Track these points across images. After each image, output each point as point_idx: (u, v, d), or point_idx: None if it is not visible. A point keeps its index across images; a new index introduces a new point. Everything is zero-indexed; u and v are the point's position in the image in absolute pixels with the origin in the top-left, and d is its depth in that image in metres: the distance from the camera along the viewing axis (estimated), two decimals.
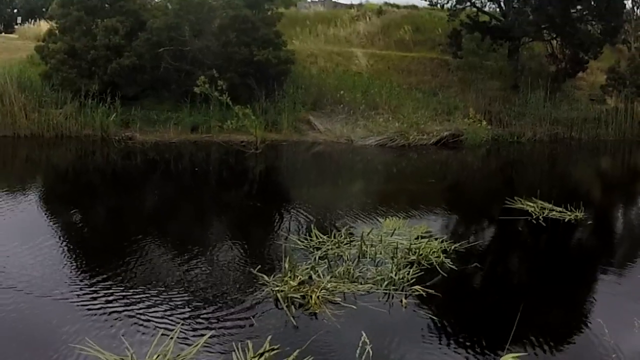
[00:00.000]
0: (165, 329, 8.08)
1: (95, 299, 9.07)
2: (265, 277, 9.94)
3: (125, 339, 7.71)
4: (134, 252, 11.50)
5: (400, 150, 29.12)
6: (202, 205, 17.54)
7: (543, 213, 15.45)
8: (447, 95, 35.89)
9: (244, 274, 10.45)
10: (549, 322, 9.09)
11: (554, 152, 32.64)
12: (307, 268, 10.22)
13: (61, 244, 12.15)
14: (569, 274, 11.55)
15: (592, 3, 36.35)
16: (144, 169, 23.44)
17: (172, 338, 7.67)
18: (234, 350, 7.51)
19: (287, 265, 10.08)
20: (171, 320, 8.42)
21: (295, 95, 31.93)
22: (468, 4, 39.68)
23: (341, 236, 12.34)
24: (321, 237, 12.26)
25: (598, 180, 25.83)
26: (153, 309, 8.78)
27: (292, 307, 9.01)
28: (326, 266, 10.57)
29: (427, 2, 40.83)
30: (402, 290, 9.70)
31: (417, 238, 12.37)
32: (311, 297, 9.18)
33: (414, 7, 49.33)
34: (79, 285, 9.64)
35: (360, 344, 7.48)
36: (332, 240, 12.07)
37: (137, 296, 9.23)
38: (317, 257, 11.11)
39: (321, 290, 9.40)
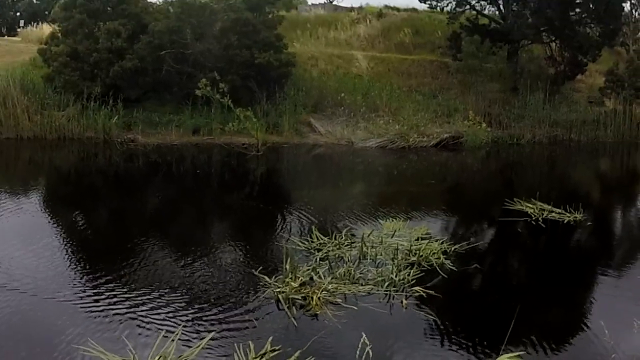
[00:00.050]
0: (168, 330, 8.08)
1: (98, 300, 9.07)
2: (267, 279, 9.95)
3: (128, 341, 7.71)
4: (136, 254, 11.50)
5: (400, 152, 29.10)
6: (203, 207, 17.54)
7: (542, 214, 15.45)
8: (447, 97, 35.88)
9: (245, 276, 10.45)
10: (548, 322, 9.08)
11: (553, 153, 32.61)
12: (308, 269, 10.23)
13: (64, 245, 12.16)
14: (569, 275, 11.54)
15: (591, 6, 36.34)
16: (146, 171, 23.43)
17: (173, 340, 7.67)
18: (236, 351, 7.52)
19: (288, 267, 10.10)
20: (173, 322, 8.42)
21: (296, 98, 31.95)
22: (467, 7, 39.70)
23: (342, 237, 12.35)
24: (322, 239, 12.26)
25: (597, 182, 25.81)
26: (155, 311, 8.79)
27: (293, 308, 9.01)
28: (327, 267, 10.57)
29: (427, 5, 40.86)
30: (402, 291, 9.70)
31: (417, 239, 12.37)
32: (312, 298, 9.18)
33: (414, 10, 49.31)
34: (82, 287, 9.64)
35: (361, 345, 7.47)
36: (333, 242, 12.07)
37: (140, 298, 9.23)
38: (318, 259, 11.12)
39: (322, 291, 9.40)
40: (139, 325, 8.29)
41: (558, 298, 10.26)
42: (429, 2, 40.07)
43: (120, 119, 28.52)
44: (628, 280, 11.17)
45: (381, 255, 11.38)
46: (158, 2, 35.19)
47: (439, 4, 39.94)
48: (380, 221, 14.30)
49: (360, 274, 10.36)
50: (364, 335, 7.68)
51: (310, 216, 14.93)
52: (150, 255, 11.48)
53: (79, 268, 10.67)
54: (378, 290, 9.71)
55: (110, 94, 28.45)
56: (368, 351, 7.41)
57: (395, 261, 10.88)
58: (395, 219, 14.33)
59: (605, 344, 7.99)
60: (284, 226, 14.39)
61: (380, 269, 10.57)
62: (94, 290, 9.46)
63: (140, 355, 7.37)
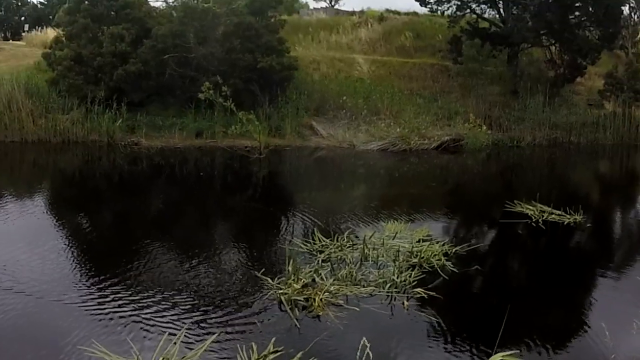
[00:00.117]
0: (171, 331, 8.08)
1: (102, 302, 9.08)
2: (269, 280, 9.95)
3: (132, 342, 7.72)
4: (140, 256, 11.51)
5: (401, 154, 29.10)
6: (207, 209, 17.56)
7: (542, 216, 15.45)
8: (447, 100, 35.91)
9: (248, 277, 10.45)
10: (549, 323, 9.08)
11: (553, 156, 32.62)
12: (311, 271, 10.22)
13: (69, 248, 12.17)
14: (569, 276, 11.54)
15: (590, 9, 36.35)
16: (150, 174, 23.44)
17: (175, 343, 7.67)
18: (239, 352, 7.52)
19: (290, 269, 10.10)
20: (176, 323, 8.42)
21: (298, 101, 31.98)
22: (468, 10, 39.75)
23: (344, 239, 12.34)
24: (324, 241, 12.26)
25: (597, 184, 25.80)
26: (159, 313, 8.79)
27: (296, 309, 9.01)
28: (329, 269, 10.57)
29: (428, 9, 40.86)
30: (404, 293, 9.71)
31: (418, 241, 12.38)
32: (314, 299, 9.19)
33: (415, 13, 49.32)
34: (87, 289, 9.65)
35: (362, 346, 7.47)
36: (335, 244, 12.07)
37: (144, 300, 9.24)
38: (320, 260, 11.11)
39: (324, 292, 9.41)
40: (142, 327, 8.29)
41: (558, 299, 10.26)
42: (429, 6, 40.09)
43: (124, 122, 28.56)
44: (628, 282, 11.15)
45: (383, 257, 11.38)
46: (161, 7, 35.28)
47: (439, 8, 39.94)
48: (382, 223, 14.30)
49: (362, 275, 10.36)
50: (366, 336, 7.68)
51: (313, 218, 14.92)
52: (154, 258, 11.49)
53: (84, 270, 10.68)
54: (380, 292, 9.71)
55: (114, 97, 28.52)
56: (370, 352, 7.41)
57: (397, 263, 10.89)
58: (397, 221, 14.34)
59: (605, 345, 7.99)
60: (286, 228, 14.39)
61: (381, 271, 10.57)
62: (99, 293, 9.46)
63: (144, 356, 7.38)
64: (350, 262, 10.99)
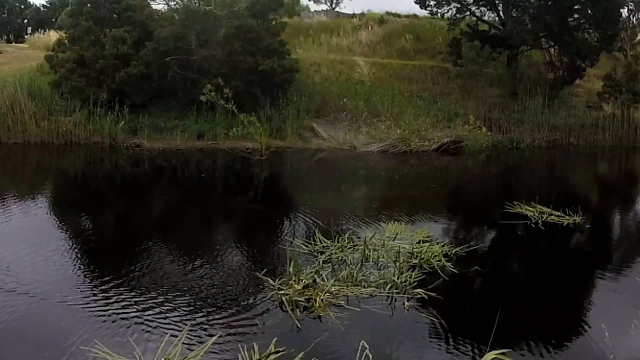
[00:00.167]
0: (173, 332, 8.08)
1: (105, 303, 9.08)
2: (271, 281, 9.95)
3: (134, 342, 7.72)
4: (143, 258, 11.51)
5: (402, 156, 29.12)
6: (208, 210, 17.57)
7: (542, 218, 15.44)
8: (447, 102, 35.95)
9: (249, 278, 10.44)
10: (549, 324, 9.07)
11: (552, 157, 32.62)
12: (312, 272, 10.22)
13: (72, 249, 12.17)
14: (568, 277, 11.54)
15: (590, 12, 36.41)
16: (152, 176, 23.45)
17: (178, 343, 7.67)
18: (240, 353, 7.53)
19: (292, 270, 10.11)
20: (179, 324, 8.43)
21: (300, 103, 32.02)
22: (468, 13, 39.83)
23: (345, 241, 12.34)
24: (325, 242, 12.26)
25: (596, 185, 25.80)
26: (161, 314, 8.79)
27: (297, 310, 9.01)
28: (330, 270, 10.57)
29: (428, 12, 40.98)
30: (404, 294, 9.70)
31: (419, 242, 12.38)
32: (316, 300, 9.19)
33: (415, 16, 49.42)
34: (90, 290, 9.65)
35: (363, 347, 7.47)
36: (336, 245, 12.07)
37: (146, 301, 9.24)
38: (321, 262, 11.11)
39: (325, 293, 9.41)
40: (145, 328, 8.29)
41: (558, 300, 10.25)
42: (430, 9, 40.16)
43: (126, 124, 28.61)
44: (627, 282, 11.14)
45: (383, 258, 11.37)
46: (163, 10, 35.36)
47: (439, 11, 40.05)
48: (383, 224, 14.31)
49: (363, 276, 10.36)
50: (367, 337, 7.69)
51: (314, 220, 14.92)
52: (156, 259, 11.49)
53: (87, 272, 10.68)
54: (380, 293, 9.71)
55: (116, 99, 28.58)
56: (371, 352, 7.41)
57: (398, 264, 10.89)
58: (397, 222, 14.35)
59: (604, 345, 7.98)
60: (287, 230, 14.41)
61: (382, 272, 10.57)
62: (103, 295, 9.46)
63: (147, 357, 7.39)
64: (351, 263, 10.98)
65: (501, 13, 39.74)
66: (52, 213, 16.16)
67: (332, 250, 11.79)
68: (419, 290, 9.76)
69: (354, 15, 51.45)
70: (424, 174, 26.23)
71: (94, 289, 9.69)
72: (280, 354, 7.54)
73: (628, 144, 35.79)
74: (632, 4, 45.72)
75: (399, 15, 50.52)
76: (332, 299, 9.35)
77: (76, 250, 12.11)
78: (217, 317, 8.81)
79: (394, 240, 12.42)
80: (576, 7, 36.80)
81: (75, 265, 11.02)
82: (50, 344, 7.83)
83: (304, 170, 26.88)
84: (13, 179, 22.09)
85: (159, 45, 29.46)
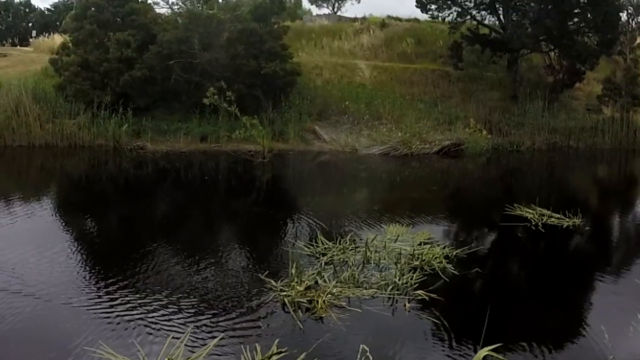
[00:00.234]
0: (176, 333, 8.09)
1: (109, 304, 9.09)
2: (273, 282, 9.96)
3: (138, 343, 7.73)
4: (146, 259, 11.52)
5: (403, 159, 29.14)
6: (211, 212, 17.57)
7: (542, 219, 15.44)
8: (448, 105, 35.96)
9: (252, 279, 10.45)
10: (548, 325, 9.08)
11: (552, 160, 32.61)
12: (314, 273, 10.23)
13: (76, 251, 12.19)
14: (568, 278, 11.54)
15: (589, 15, 36.40)
16: (155, 178, 23.47)
17: (181, 343, 7.68)
18: (243, 353, 7.53)
19: (293, 271, 10.11)
20: (181, 325, 8.44)
21: (301, 106, 32.07)
22: (468, 17, 39.84)
23: (346, 242, 12.34)
24: (327, 244, 12.26)
25: (595, 188, 25.79)
26: (164, 314, 8.80)
27: (299, 311, 9.02)
28: (332, 271, 10.58)
29: (429, 16, 40.94)
30: (405, 295, 9.71)
31: (420, 244, 12.38)
32: (317, 301, 9.19)
33: (416, 20, 49.39)
34: (94, 292, 9.66)
35: (364, 347, 7.48)
36: (337, 247, 12.07)
37: (149, 302, 9.25)
38: (323, 263, 11.11)
39: (327, 294, 9.41)
40: (148, 329, 8.30)
41: (558, 301, 10.25)
42: (430, 13, 40.15)
43: (129, 127, 28.66)
44: (626, 284, 11.15)
45: (384, 259, 11.38)
46: (167, 13, 35.32)
47: (440, 14, 40.04)
48: (384, 226, 14.31)
49: (364, 278, 10.37)
50: (368, 338, 7.70)
51: (315, 221, 14.93)
52: (160, 260, 11.50)
53: (91, 273, 10.68)
54: (382, 294, 9.72)
55: (120, 102, 28.62)
56: (372, 353, 7.41)
57: (399, 265, 10.89)
58: (398, 224, 14.34)
59: (604, 346, 7.99)
60: (289, 231, 14.41)
61: (383, 273, 10.57)
62: (106, 295, 9.48)
63: (150, 358, 7.40)
64: (352, 265, 10.99)
65: (501, 17, 39.72)
66: (56, 215, 16.18)
67: (333, 251, 11.80)
68: (419, 292, 9.77)
69: (355, 19, 51.41)
70: (424, 176, 26.23)
71: (99, 290, 9.71)
72: (282, 354, 7.55)
73: (627, 146, 35.79)
74: (631, 7, 45.71)
75: (400, 19, 50.51)
76: (334, 300, 9.36)
77: (81, 252, 12.13)
78: (219, 318, 8.82)
79: (395, 242, 12.42)
80: (576, 11, 36.79)
81: (79, 266, 11.04)
82: (55, 345, 7.85)
83: (306, 172, 26.89)
84: (18, 181, 22.12)
85: (162, 48, 29.50)
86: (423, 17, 43.98)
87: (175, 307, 9.09)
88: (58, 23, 62.06)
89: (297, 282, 9.77)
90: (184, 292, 9.73)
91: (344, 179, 24.84)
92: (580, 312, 9.84)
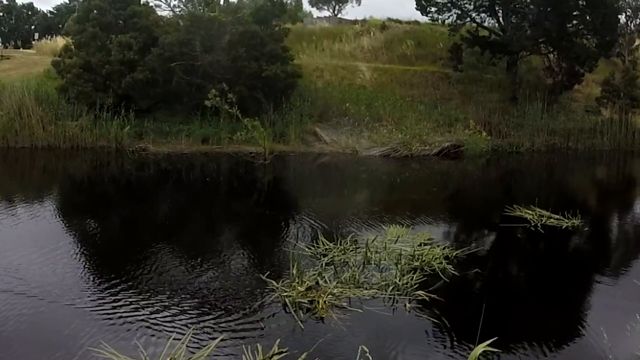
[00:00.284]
0: (178, 333, 8.10)
1: (111, 305, 9.09)
2: (274, 283, 9.95)
3: (140, 343, 7.73)
4: (148, 260, 11.52)
5: (403, 160, 29.15)
6: (213, 213, 17.58)
7: (541, 220, 15.44)
8: (448, 107, 36.04)
9: (253, 280, 10.44)
10: (548, 325, 9.07)
11: (551, 161, 32.63)
12: (314, 274, 10.23)
13: (78, 252, 12.18)
14: (567, 279, 11.53)
15: (588, 18, 36.46)
16: (157, 179, 23.48)
17: (182, 344, 7.68)
18: (244, 353, 7.53)
19: (294, 271, 10.11)
20: (183, 325, 8.44)
21: (302, 108, 32.12)
22: (468, 19, 39.93)
23: (347, 243, 12.34)
24: (327, 244, 12.26)
25: (594, 189, 25.78)
26: (166, 314, 8.80)
27: (300, 311, 9.02)
28: (332, 272, 10.57)
29: (429, 18, 41.05)
30: (405, 295, 9.70)
31: (420, 245, 12.37)
32: (318, 301, 9.19)
33: (416, 22, 49.47)
34: (96, 292, 9.65)
35: (364, 348, 7.48)
36: (338, 247, 12.07)
37: (151, 302, 9.25)
38: (323, 264, 11.11)
39: (328, 295, 9.41)
40: (150, 329, 8.30)
41: (557, 301, 10.25)
42: (430, 15, 40.23)
43: (131, 128, 28.70)
44: (624, 284, 11.14)
45: (385, 260, 11.38)
46: (168, 16, 35.46)
47: (440, 17, 40.16)
48: (384, 227, 14.30)
49: (365, 278, 10.36)
50: (369, 338, 7.70)
51: (316, 222, 14.93)
52: (162, 261, 11.50)
53: (94, 274, 10.67)
54: (382, 294, 9.71)
55: (122, 104, 28.68)
56: (372, 354, 7.41)
57: (399, 266, 10.89)
58: (399, 225, 14.33)
59: (603, 346, 7.98)
60: (290, 232, 14.39)
61: (384, 274, 10.57)
62: (108, 295, 9.47)
63: (152, 357, 7.40)
64: (353, 265, 10.98)
65: (501, 19, 39.80)
66: (59, 216, 16.16)
67: (334, 252, 11.79)
68: (420, 292, 9.76)
69: (355, 21, 51.51)
70: (424, 177, 26.24)
71: (102, 291, 9.69)
72: (283, 354, 7.54)
73: (626, 148, 35.84)
74: (629, 10, 45.79)
75: (400, 21, 50.59)
76: (335, 300, 9.36)
77: (84, 253, 12.12)
78: (221, 318, 8.82)
79: (395, 243, 12.42)
80: (575, 13, 36.85)
81: (82, 268, 11.03)
82: (58, 345, 7.83)
83: (307, 173, 26.90)
84: (20, 183, 22.11)
85: (164, 50, 29.54)
86: (423, 19, 44.13)
87: (177, 307, 9.09)
88: (60, 26, 62.06)
89: (298, 282, 9.77)
90: (186, 293, 9.73)
91: (345, 181, 24.84)
92: (579, 313, 9.83)
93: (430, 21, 42.45)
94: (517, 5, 38.49)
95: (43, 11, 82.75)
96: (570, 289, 10.88)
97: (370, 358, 7.33)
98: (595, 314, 9.55)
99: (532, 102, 35.45)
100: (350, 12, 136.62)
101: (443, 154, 30.66)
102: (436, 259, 11.47)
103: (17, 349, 7.73)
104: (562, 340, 8.56)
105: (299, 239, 13.29)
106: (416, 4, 39.84)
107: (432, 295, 9.67)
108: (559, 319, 9.51)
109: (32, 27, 79.79)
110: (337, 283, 9.98)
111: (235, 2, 37.23)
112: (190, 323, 8.51)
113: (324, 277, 10.17)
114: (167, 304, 9.20)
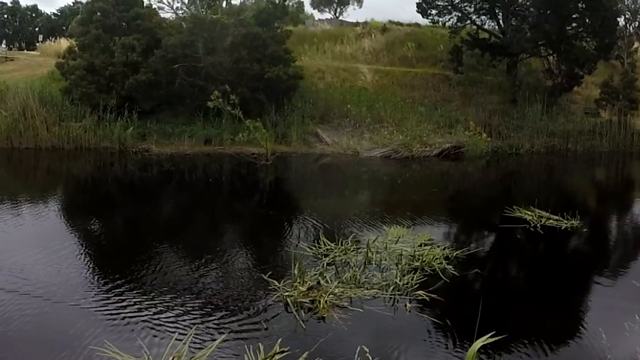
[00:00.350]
0: (181, 333, 8.11)
1: (114, 304, 9.11)
2: (276, 283, 9.97)
3: (142, 342, 7.74)
4: (150, 260, 11.54)
5: (404, 161, 29.15)
6: (215, 214, 17.59)
7: (540, 221, 15.45)
8: (448, 109, 36.03)
9: (255, 280, 10.46)
10: (547, 325, 9.08)
11: (550, 163, 32.62)
12: (316, 274, 10.24)
13: (82, 252, 12.21)
14: (566, 279, 11.53)
15: (587, 21, 36.48)
16: (160, 180, 23.47)
17: (185, 343, 7.69)
18: (246, 352, 7.54)
19: (296, 271, 10.12)
20: (185, 324, 8.45)
21: (304, 109, 32.12)
22: (468, 22, 39.91)
23: (348, 243, 12.35)
24: (329, 245, 12.27)
25: (593, 190, 25.77)
26: (169, 314, 8.82)
27: (302, 311, 9.03)
28: (334, 272, 10.58)
29: (430, 20, 41.06)
30: (406, 295, 9.71)
31: (420, 245, 12.38)
32: (319, 301, 9.20)
33: (417, 25, 49.48)
34: (99, 291, 9.67)
35: (366, 347, 7.48)
36: (339, 248, 12.08)
37: (154, 302, 9.26)
38: (325, 264, 11.13)
39: (329, 295, 9.42)
40: (153, 328, 8.32)
41: (556, 301, 10.25)
42: (431, 18, 40.25)
43: (135, 129, 28.72)
44: (623, 285, 11.14)
45: (386, 260, 11.39)
46: (171, 18, 35.49)
47: (441, 19, 40.18)
48: (385, 228, 14.31)
49: (366, 278, 10.37)
50: (369, 337, 7.71)
51: (318, 223, 14.94)
52: (165, 261, 11.51)
53: (98, 275, 10.68)
54: (383, 294, 9.72)
55: (125, 105, 28.70)
56: (373, 353, 7.41)
57: (399, 266, 10.90)
58: (399, 225, 14.34)
59: (601, 346, 7.98)
60: (292, 232, 14.43)
61: (384, 274, 10.58)
62: (111, 295, 9.48)
63: (154, 356, 7.41)
64: (354, 266, 10.99)
65: (501, 22, 39.80)
66: (64, 216, 16.20)
67: (335, 252, 11.81)
68: (420, 292, 9.77)
69: (357, 24, 51.53)
70: (425, 178, 26.24)
71: (106, 292, 9.70)
72: (285, 353, 7.55)
73: (624, 149, 35.82)
74: (628, 12, 45.79)
75: (401, 24, 50.59)
76: (336, 300, 9.37)
77: (88, 254, 12.15)
78: (223, 317, 8.83)
79: (396, 243, 12.43)
80: (574, 16, 36.86)
81: (86, 268, 11.05)
82: (62, 345, 7.85)
83: (308, 174, 26.90)
84: (25, 183, 22.11)
85: (167, 52, 29.56)
86: (424, 21, 44.18)
87: (180, 307, 9.10)
88: (64, 27, 62.18)
89: (299, 282, 9.78)
90: (189, 293, 9.74)
91: (346, 181, 24.84)
92: (578, 313, 9.84)
93: (430, 24, 42.50)
94: (517, 8, 38.49)
95: (47, 13, 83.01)
96: (569, 290, 10.89)
97: (370, 358, 7.34)
98: (594, 314, 9.56)
99: (532, 104, 35.47)
100: (351, 15, 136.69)
101: (443, 155, 30.66)
102: (436, 259, 11.49)
103: (22, 349, 7.75)
104: (561, 340, 8.57)
105: (301, 239, 13.31)
106: (417, 7, 39.91)
107: (433, 295, 9.68)
108: (558, 319, 9.52)
109: (36, 29, 79.90)
110: (339, 283, 9.99)
111: (238, 4, 37.31)
112: (193, 323, 8.52)
113: (326, 277, 10.18)
114: (170, 304, 9.22)
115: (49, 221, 15.01)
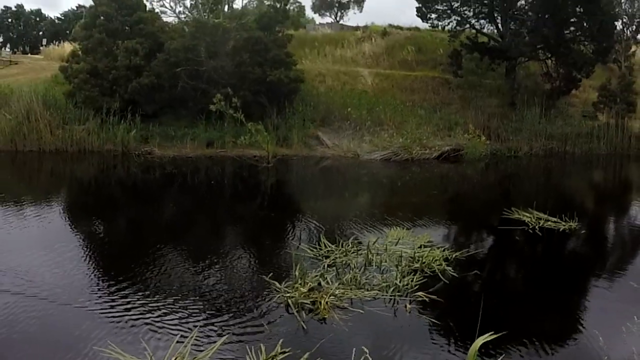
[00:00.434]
0: (183, 333, 8.12)
1: (117, 306, 9.13)
2: (277, 284, 9.98)
3: (145, 343, 7.76)
4: (153, 261, 11.55)
5: (404, 164, 29.15)
6: (217, 216, 17.59)
7: (539, 223, 15.45)
8: (448, 112, 36.02)
9: (256, 281, 10.48)
10: (545, 326, 9.08)
11: (549, 165, 32.62)
12: (317, 275, 10.26)
13: (85, 253, 12.23)
14: (564, 281, 11.54)
15: (585, 25, 36.50)
16: (163, 182, 23.49)
17: (188, 343, 7.70)
18: (247, 353, 7.56)
19: (297, 273, 10.15)
20: (188, 325, 8.46)
21: (305, 113, 32.16)
22: (468, 25, 39.94)
23: (348, 245, 12.37)
24: (330, 246, 12.28)
25: (591, 192, 25.75)
26: (171, 315, 8.83)
27: (302, 312, 9.05)
28: (334, 273, 10.60)
29: (429, 24, 41.09)
30: (406, 296, 9.73)
31: (420, 247, 12.41)
32: (320, 302, 9.22)
33: (417, 29, 49.46)
34: (102, 293, 9.69)
35: (365, 348, 7.49)
36: (340, 249, 12.09)
37: (156, 303, 9.28)
38: (325, 265, 11.15)
39: (330, 296, 9.44)
40: (155, 329, 8.33)
41: (554, 303, 10.26)
42: (431, 22, 40.28)
43: (137, 132, 28.75)
44: (620, 286, 11.15)
45: (386, 262, 11.40)
46: (174, 22, 35.52)
47: (440, 23, 40.21)
48: (385, 230, 14.33)
49: (366, 279, 10.39)
50: (370, 338, 7.72)
51: (318, 225, 14.95)
52: (167, 263, 11.53)
53: (102, 276, 10.69)
54: (383, 296, 9.74)
55: (128, 109, 28.75)
56: (374, 354, 7.43)
57: (399, 268, 10.91)
58: (399, 227, 14.36)
59: (599, 347, 7.99)
60: (293, 234, 14.42)
61: (385, 275, 10.60)
62: (114, 296, 9.51)
63: (157, 356, 7.42)
64: (354, 267, 11.01)
65: (500, 25, 39.79)
66: (68, 218, 16.22)
67: (336, 254, 11.82)
68: (420, 293, 9.79)
69: (357, 28, 51.49)
70: (424, 181, 26.24)
71: (109, 293, 9.71)
72: (286, 354, 7.57)
73: (622, 152, 35.81)
74: (626, 16, 45.79)
75: (401, 28, 50.59)
76: (336, 301, 9.38)
77: (92, 255, 12.17)
78: (225, 318, 8.85)
79: (396, 245, 12.44)
80: (572, 20, 36.90)
81: (90, 270, 11.06)
82: (66, 346, 7.87)
83: (309, 177, 26.91)
84: (29, 185, 22.12)
85: (169, 56, 29.60)
86: (423, 25, 44.19)
87: (182, 308, 9.12)
88: (68, 31, 62.28)
89: (300, 283, 9.80)
90: (191, 294, 9.76)
91: (346, 184, 24.84)
92: (576, 315, 9.84)
93: (430, 27, 42.58)
94: (515, 12, 38.53)
95: (51, 17, 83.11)
96: (567, 291, 10.90)
97: (370, 359, 7.35)
98: (592, 315, 9.57)
99: (530, 107, 35.48)
100: (352, 19, 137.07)
101: (443, 157, 30.66)
102: (436, 260, 11.50)
103: (27, 350, 7.77)
104: (559, 341, 8.57)
105: (302, 241, 13.31)
106: (417, 11, 39.92)
107: (432, 297, 9.70)
108: (556, 320, 9.52)
109: (40, 33, 80.00)
110: (339, 284, 10.01)
111: (239, 8, 37.31)
112: (195, 323, 8.54)
113: (326, 278, 10.20)
114: (173, 305, 9.23)
115: (54, 223, 15.02)
